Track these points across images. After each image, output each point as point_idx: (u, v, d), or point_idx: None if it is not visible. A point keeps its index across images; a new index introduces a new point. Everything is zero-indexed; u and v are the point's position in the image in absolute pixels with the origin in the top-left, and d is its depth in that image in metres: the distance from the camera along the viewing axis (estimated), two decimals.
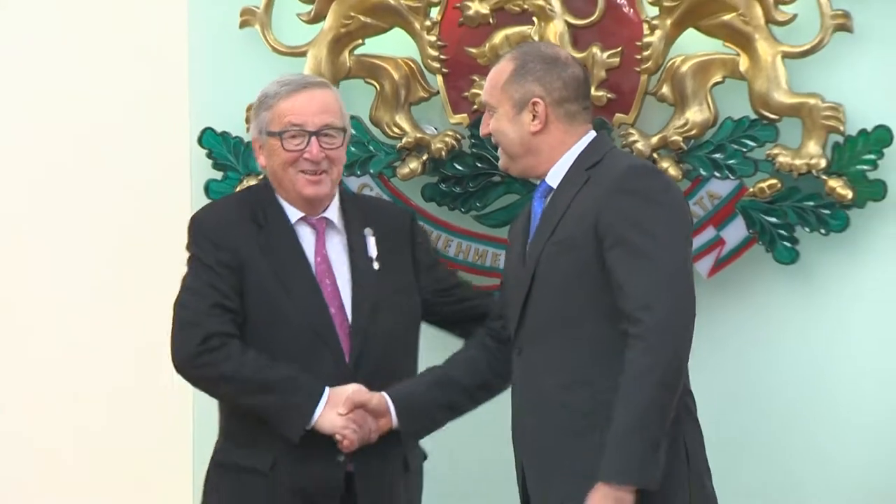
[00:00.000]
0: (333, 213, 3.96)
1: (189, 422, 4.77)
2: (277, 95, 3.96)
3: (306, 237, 3.94)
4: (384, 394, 3.80)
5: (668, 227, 3.66)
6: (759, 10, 4.33)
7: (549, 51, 3.89)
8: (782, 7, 4.34)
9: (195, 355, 3.88)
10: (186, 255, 3.98)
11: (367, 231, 3.96)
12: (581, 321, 3.65)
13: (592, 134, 3.78)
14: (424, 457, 4.06)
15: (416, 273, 4.00)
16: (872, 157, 4.31)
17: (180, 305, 3.91)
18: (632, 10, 4.47)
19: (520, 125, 3.75)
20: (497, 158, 4.26)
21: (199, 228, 3.95)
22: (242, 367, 3.83)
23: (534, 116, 3.75)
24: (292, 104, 3.91)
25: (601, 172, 3.70)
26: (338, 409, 3.77)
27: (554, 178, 3.74)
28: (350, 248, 3.96)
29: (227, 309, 3.86)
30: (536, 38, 4.40)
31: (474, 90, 4.48)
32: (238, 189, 4.56)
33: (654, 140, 4.42)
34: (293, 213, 3.94)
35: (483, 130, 3.80)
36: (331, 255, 3.95)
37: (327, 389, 3.78)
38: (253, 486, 3.87)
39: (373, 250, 3.95)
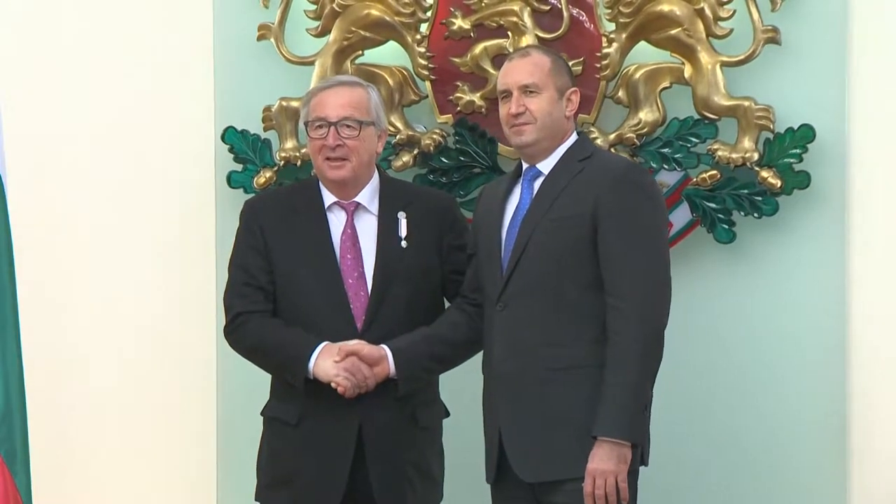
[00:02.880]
0: (366, 197, 4.07)
1: (213, 381, 4.88)
2: (312, 93, 4.14)
3: (336, 219, 4.06)
4: (383, 345, 3.93)
5: (656, 218, 3.88)
6: (700, 26, 4.50)
7: None
8: (721, 23, 4.49)
9: (228, 333, 4.11)
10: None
11: (401, 214, 4.08)
12: (565, 288, 3.81)
13: (575, 132, 3.98)
14: (446, 414, 4.17)
15: (440, 253, 4.09)
16: (798, 151, 4.48)
17: (226, 284, 4.14)
18: (592, 26, 4.61)
19: (559, 109, 3.91)
20: (477, 154, 4.68)
21: (242, 214, 4.14)
22: (262, 337, 4.02)
23: (568, 104, 3.93)
24: (320, 99, 4.05)
25: (596, 165, 3.88)
26: (333, 358, 3.90)
27: (546, 166, 3.91)
28: (379, 228, 4.06)
29: (257, 287, 4.05)
30: (511, 49, 4.50)
31: (458, 94, 4.65)
32: (258, 181, 4.75)
33: (612, 137, 4.56)
34: (328, 198, 4.06)
35: (517, 109, 3.87)
36: (359, 233, 4.06)
37: (324, 343, 3.93)
38: (284, 435, 4.03)
39: (403, 230, 4.07)
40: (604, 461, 3.71)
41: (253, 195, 4.58)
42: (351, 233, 4.05)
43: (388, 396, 3.95)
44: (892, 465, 4.52)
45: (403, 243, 4.05)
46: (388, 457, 3.99)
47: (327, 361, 3.91)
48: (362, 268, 4.03)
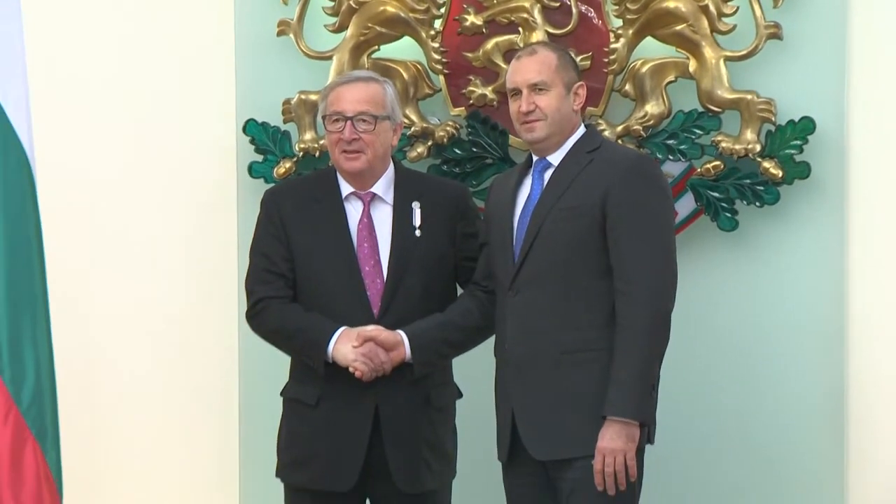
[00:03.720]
0: (382, 188, 4.09)
1: (235, 364, 4.93)
2: (329, 87, 4.15)
3: (353, 209, 4.08)
4: (399, 331, 3.95)
5: (663, 209, 3.92)
6: (705, 22, 4.54)
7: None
8: (724, 19, 4.53)
9: (249, 318, 4.13)
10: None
11: (415, 203, 4.08)
12: (576, 275, 3.84)
13: (583, 125, 4.01)
14: (459, 395, 4.19)
15: (453, 241, 4.11)
16: (799, 143, 4.52)
17: (247, 271, 4.18)
18: (600, 22, 4.65)
19: (567, 104, 3.93)
20: (489, 145, 4.72)
21: (263, 203, 4.17)
22: (282, 321, 4.05)
23: (575, 98, 3.96)
24: (337, 94, 4.07)
25: (605, 156, 3.91)
26: (351, 343, 3.93)
27: (556, 158, 3.93)
28: (394, 217, 4.08)
29: (277, 273, 4.07)
30: (521, 44, 4.55)
31: (470, 87, 4.69)
32: (278, 171, 4.79)
33: (619, 129, 4.60)
34: (346, 189, 4.08)
35: (527, 107, 3.90)
36: (375, 222, 4.08)
37: (342, 328, 3.96)
38: (303, 416, 4.07)
39: (417, 220, 4.08)
40: (613, 440, 3.75)
41: (273, 185, 4.64)
42: (367, 222, 4.07)
43: (403, 379, 3.98)
44: (889, 444, 4.56)
45: (417, 232, 4.07)
46: (404, 437, 4.01)
47: (346, 346, 3.95)
48: (378, 256, 4.05)
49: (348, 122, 4.02)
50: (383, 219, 4.09)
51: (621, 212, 3.80)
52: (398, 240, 4.06)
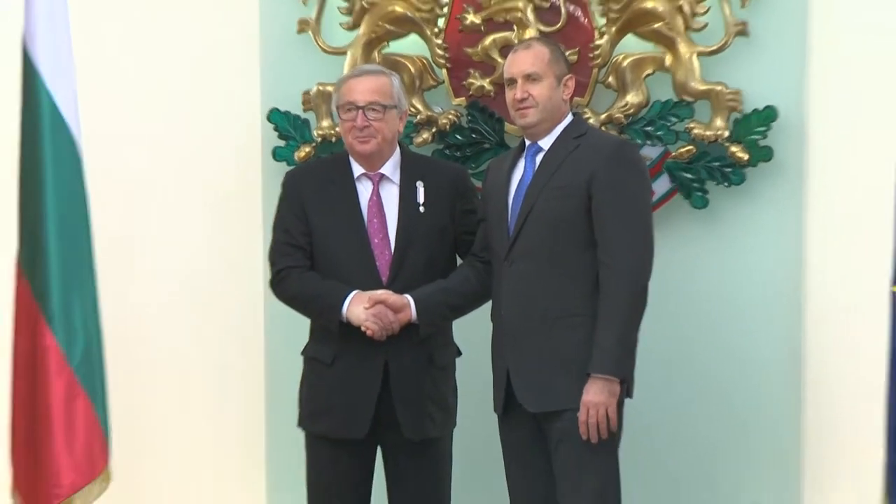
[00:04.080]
0: (389, 169, 4.08)
1: (261, 327, 4.93)
2: (342, 80, 4.16)
3: (364, 188, 4.08)
4: (406, 294, 3.97)
5: (642, 190, 3.93)
6: (680, 21, 4.54)
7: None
8: (697, 18, 4.53)
9: (273, 285, 4.15)
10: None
11: (419, 183, 4.08)
12: (564, 248, 3.84)
13: (571, 113, 4.00)
14: (458, 353, 4.19)
15: (453, 217, 4.10)
16: (763, 129, 4.52)
17: (270, 244, 4.17)
18: (586, 20, 4.64)
19: (557, 94, 3.92)
20: (487, 131, 4.71)
21: (284, 184, 4.18)
22: (301, 288, 4.07)
23: (566, 89, 3.96)
24: (350, 86, 4.08)
25: (590, 142, 3.90)
26: (363, 305, 3.94)
27: (546, 143, 3.93)
28: (401, 196, 4.06)
29: (296, 246, 4.09)
30: (516, 41, 4.53)
31: (470, 80, 4.70)
32: (298, 154, 4.78)
33: (603, 117, 4.60)
34: (357, 170, 4.08)
35: (521, 95, 3.89)
36: (384, 200, 4.07)
37: (355, 291, 3.96)
38: (320, 373, 4.10)
39: (421, 198, 4.07)
40: (596, 394, 3.78)
41: (293, 167, 4.66)
42: (376, 200, 4.10)
43: (410, 340, 4.00)
44: (842, 398, 4.56)
45: (421, 208, 4.10)
46: (410, 392, 4.04)
47: (358, 308, 3.97)
48: (386, 230, 4.08)
49: (360, 111, 4.04)
50: (391, 197, 4.11)
51: (605, 193, 3.82)
52: (404, 216, 4.09)
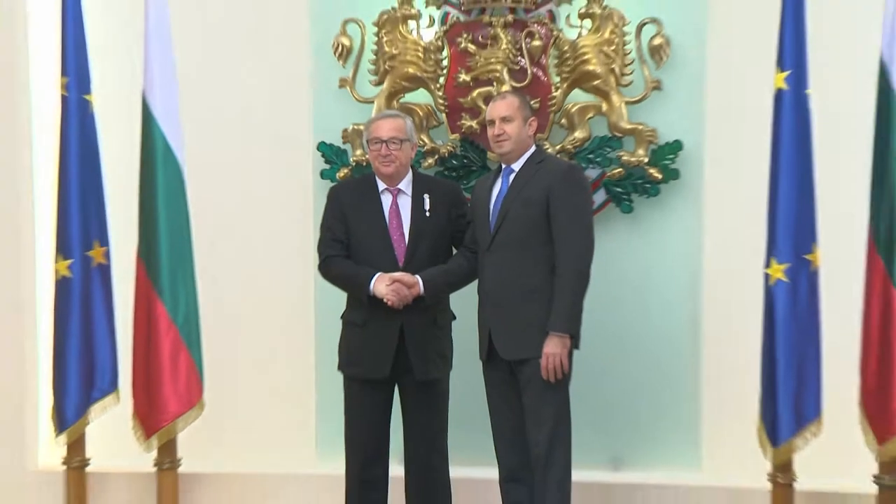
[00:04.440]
0: (405, 185, 4.18)
1: (312, 299, 4.86)
2: (371, 121, 4.29)
3: (386, 199, 4.18)
4: (416, 275, 4.09)
5: (586, 201, 4.01)
6: (612, 79, 4.64)
7: None
8: (625, 77, 4.64)
9: (320, 269, 4.26)
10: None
11: (426, 195, 4.15)
12: (531, 243, 3.95)
13: (534, 145, 4.14)
14: (453, 317, 4.30)
15: (450, 220, 4.18)
16: (672, 156, 4.61)
17: (318, 239, 4.21)
18: (546, 79, 4.71)
19: (525, 131, 4.01)
20: (474, 158, 4.74)
21: (329, 194, 4.31)
22: (340, 270, 4.19)
23: (530, 128, 4.04)
24: (376, 125, 4.23)
25: (548, 166, 3.99)
26: (385, 283, 4.05)
27: (517, 166, 4.04)
28: (413, 205, 4.15)
29: (337, 240, 4.20)
30: (495, 93, 4.55)
31: (463, 121, 4.74)
32: (339, 174, 4.73)
33: (558, 147, 4.69)
34: (381, 186, 4.20)
35: (498, 131, 3.96)
36: (400, 208, 4.15)
37: (379, 272, 4.08)
38: (355, 333, 4.23)
39: (427, 206, 4.12)
40: (553, 347, 3.95)
41: (336, 183, 4.79)
42: (395, 208, 4.22)
43: (419, 307, 4.16)
44: (729, 343, 4.54)
45: (427, 214, 4.17)
46: (419, 345, 4.18)
47: (381, 285, 4.13)
48: (402, 229, 4.20)
49: (384, 144, 4.22)
50: (405, 205, 4.24)
51: (559, 204, 3.99)
52: (415, 219, 4.22)
